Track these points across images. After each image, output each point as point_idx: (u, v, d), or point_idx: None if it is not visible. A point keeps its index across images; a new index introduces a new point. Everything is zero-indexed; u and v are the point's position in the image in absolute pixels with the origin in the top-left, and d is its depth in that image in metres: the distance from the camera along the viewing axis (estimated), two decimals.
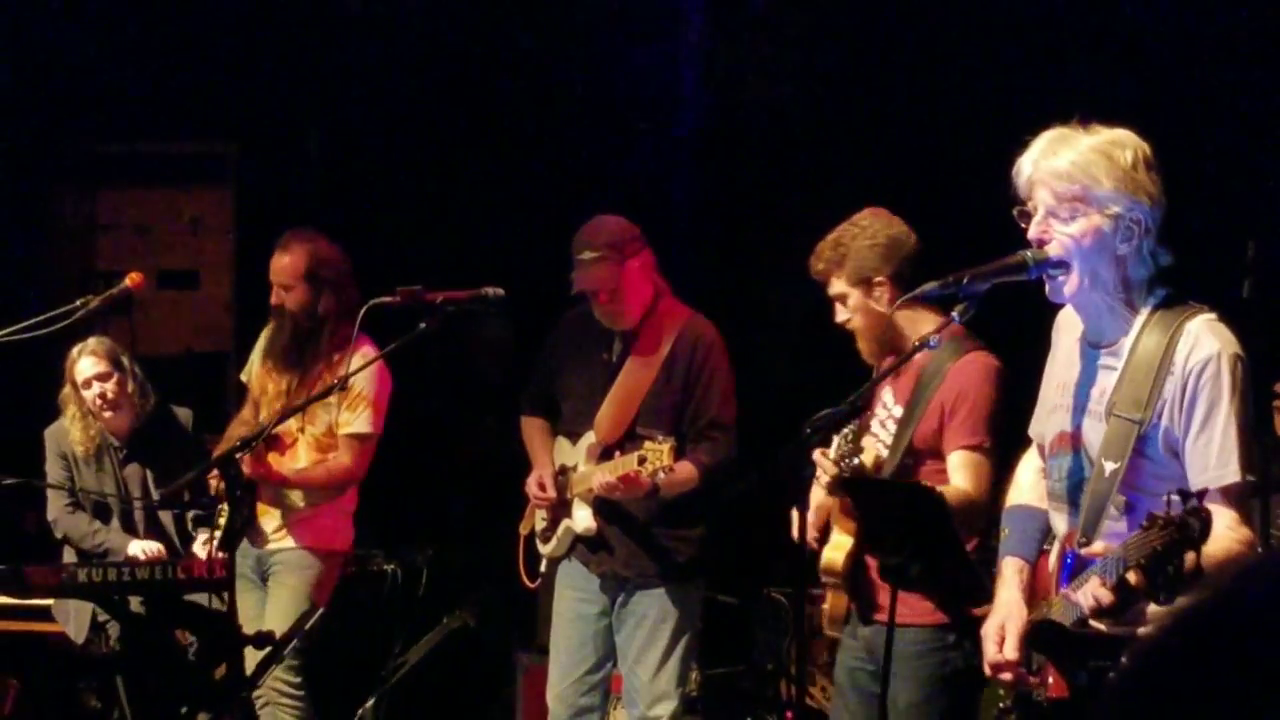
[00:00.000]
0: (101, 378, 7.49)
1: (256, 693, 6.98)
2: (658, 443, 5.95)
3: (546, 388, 6.64)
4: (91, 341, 7.54)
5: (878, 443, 5.23)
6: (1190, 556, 3.39)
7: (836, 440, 4.99)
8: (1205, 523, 3.40)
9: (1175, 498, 3.43)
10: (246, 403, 7.28)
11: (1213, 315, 3.91)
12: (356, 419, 6.96)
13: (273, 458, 6.94)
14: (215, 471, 6.26)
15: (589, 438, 6.41)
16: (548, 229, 6.52)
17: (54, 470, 7.59)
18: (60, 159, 10.28)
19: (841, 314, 5.31)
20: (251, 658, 6.55)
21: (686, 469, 6.20)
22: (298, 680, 7.02)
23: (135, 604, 7.16)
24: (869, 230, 5.28)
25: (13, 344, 6.14)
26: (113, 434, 7.57)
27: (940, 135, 8.38)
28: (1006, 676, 4.09)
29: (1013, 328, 4.55)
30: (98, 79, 10.00)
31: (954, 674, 5.08)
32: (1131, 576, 3.55)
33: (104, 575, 6.99)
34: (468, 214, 9.53)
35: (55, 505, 7.57)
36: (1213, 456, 3.79)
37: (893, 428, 5.21)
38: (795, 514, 4.90)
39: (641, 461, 5.94)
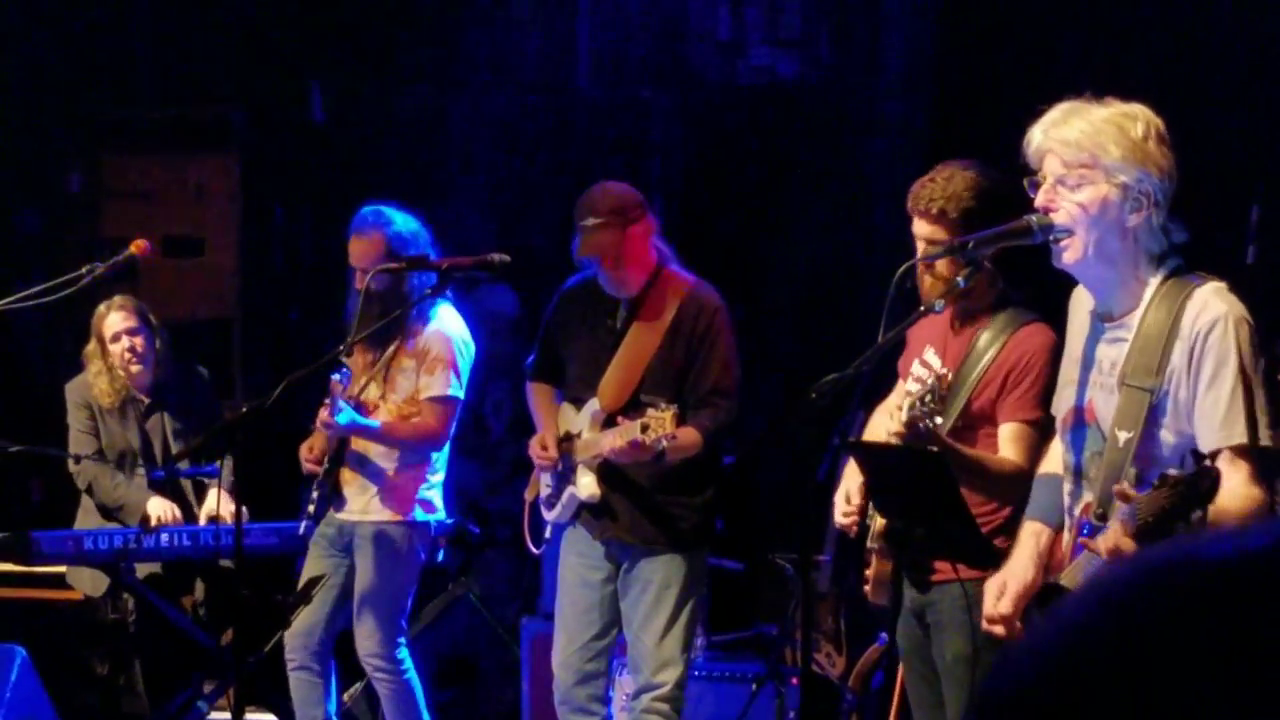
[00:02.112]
0: (130, 332, 7.60)
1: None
2: (660, 409, 5.95)
3: (552, 355, 6.65)
4: (119, 298, 7.67)
5: (912, 400, 5.21)
6: (1198, 515, 3.41)
7: (911, 400, 4.89)
8: (1214, 481, 3.43)
9: (1189, 458, 3.45)
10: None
11: (1222, 284, 3.93)
12: (434, 381, 6.93)
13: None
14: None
15: (593, 404, 6.41)
16: (553, 195, 6.51)
17: (80, 420, 7.64)
18: (65, 126, 10.27)
19: (922, 254, 5.21)
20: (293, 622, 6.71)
21: (690, 435, 6.21)
22: (386, 653, 7.04)
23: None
24: (974, 173, 5.18)
25: (19, 311, 6.15)
26: (137, 388, 7.64)
27: (946, 99, 8.37)
28: (999, 630, 4.10)
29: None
30: (102, 45, 9.99)
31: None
32: (1143, 536, 3.57)
33: (110, 543, 7.03)
34: (473, 180, 9.53)
35: (80, 453, 7.61)
36: (1219, 417, 3.81)
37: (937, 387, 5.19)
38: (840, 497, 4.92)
39: (644, 429, 5.94)
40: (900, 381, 5.31)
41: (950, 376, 4.78)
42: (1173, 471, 3.50)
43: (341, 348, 6.28)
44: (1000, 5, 8.30)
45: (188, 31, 9.95)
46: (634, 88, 9.33)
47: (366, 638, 7.02)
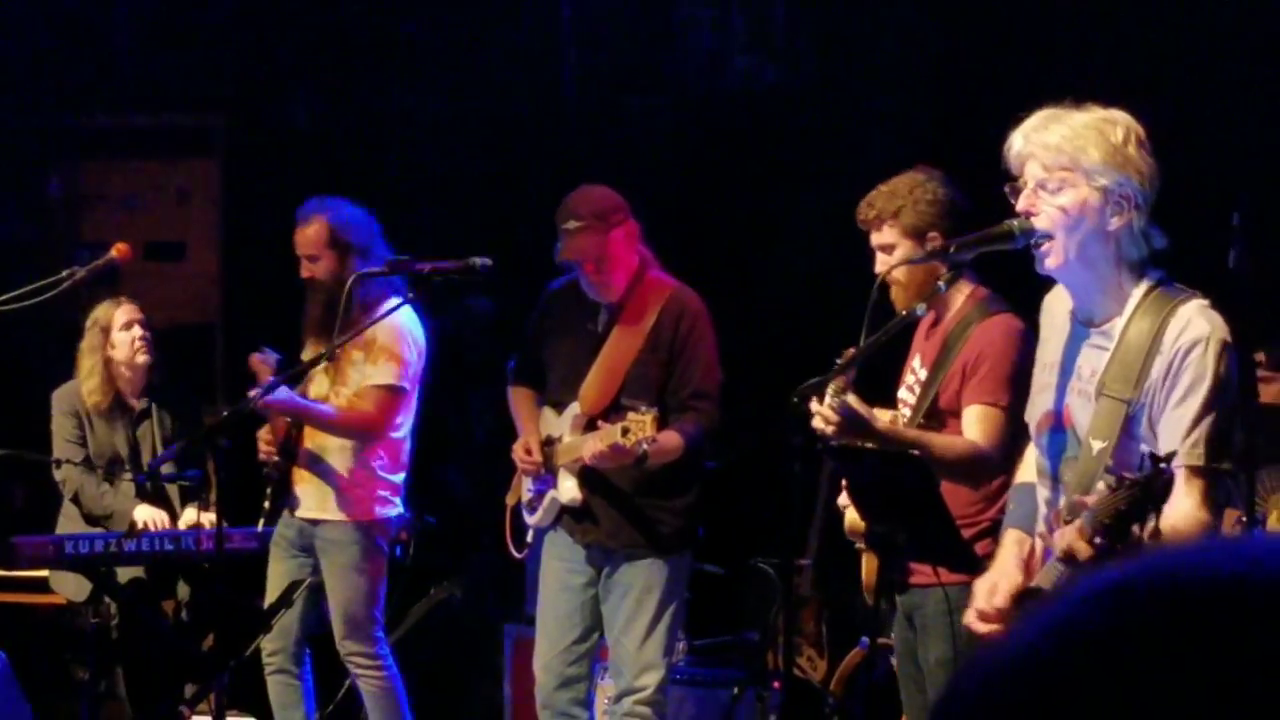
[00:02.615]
0: (141, 324, 7.65)
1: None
2: (640, 414, 5.96)
3: (534, 358, 6.65)
4: (121, 299, 7.71)
5: (904, 408, 5.25)
6: (1152, 518, 3.44)
7: (828, 398, 4.94)
8: (1168, 483, 3.46)
9: (1146, 461, 3.48)
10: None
11: (1206, 302, 3.95)
12: (378, 370, 6.90)
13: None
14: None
15: (574, 408, 6.42)
16: (535, 199, 6.52)
17: (66, 429, 7.61)
18: (47, 131, 10.26)
19: (882, 264, 5.25)
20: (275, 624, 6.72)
21: (672, 439, 6.21)
22: (368, 651, 7.07)
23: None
24: (928, 186, 5.24)
25: (0, 315, 6.14)
26: (132, 390, 7.63)
27: (933, 101, 8.38)
28: (990, 627, 4.11)
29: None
30: (82, 51, 9.98)
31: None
32: (1099, 538, 3.59)
33: (92, 548, 7.01)
34: (454, 183, 9.53)
35: (63, 458, 7.59)
36: (1182, 434, 3.83)
37: (919, 391, 5.23)
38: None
39: (625, 433, 5.95)
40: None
41: (853, 351, 4.78)
42: (1128, 474, 3.53)
43: (325, 351, 6.28)
44: (988, 13, 8.31)
45: (170, 37, 9.95)
46: (619, 93, 9.34)
47: (346, 636, 7.03)
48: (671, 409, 6.29)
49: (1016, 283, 4.78)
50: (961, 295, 5.26)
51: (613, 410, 6.29)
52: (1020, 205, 3.96)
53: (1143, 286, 3.96)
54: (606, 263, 6.30)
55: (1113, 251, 3.94)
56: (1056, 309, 4.20)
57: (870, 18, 8.83)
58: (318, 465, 7.02)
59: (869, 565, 5.32)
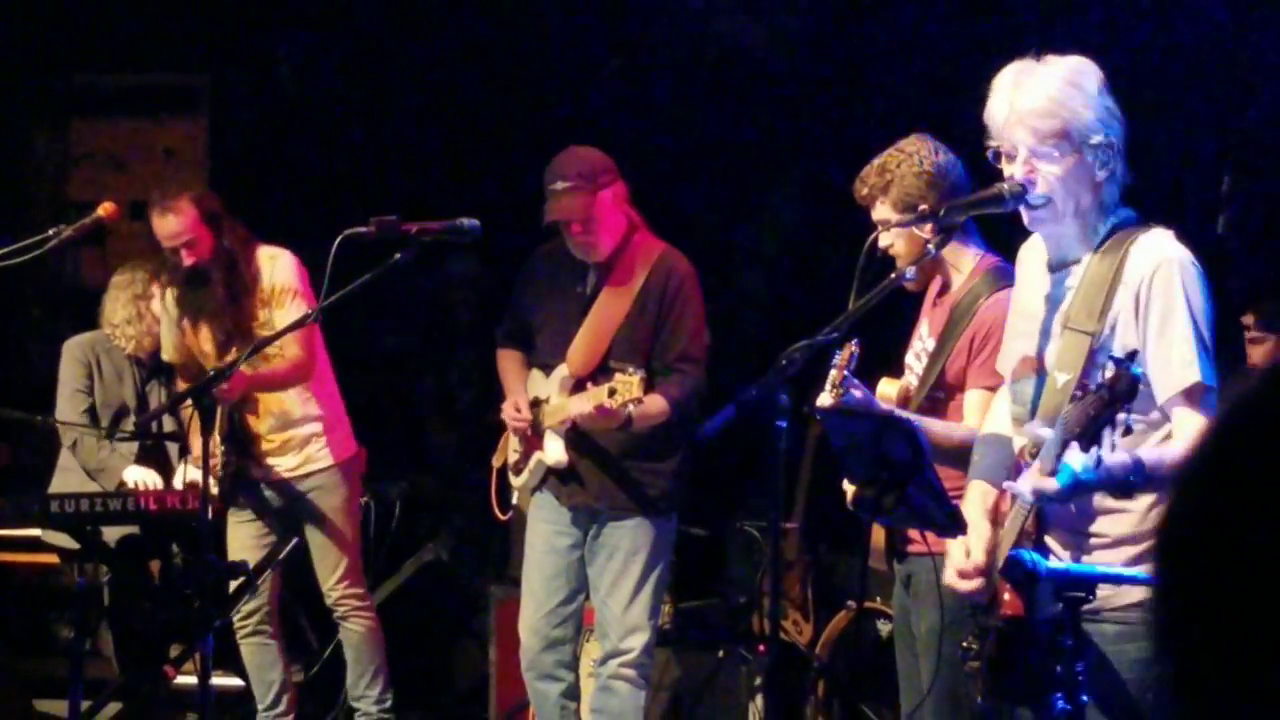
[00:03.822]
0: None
1: (240, 621, 7.06)
2: (627, 374, 5.96)
3: (521, 321, 6.64)
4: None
5: (911, 374, 5.23)
6: (1122, 416, 3.44)
7: (832, 373, 4.93)
8: (1132, 381, 3.45)
9: (1110, 364, 3.48)
10: (177, 381, 7.30)
11: (1167, 231, 3.95)
12: (290, 311, 6.89)
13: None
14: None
15: (561, 370, 6.40)
16: (522, 160, 6.50)
17: (76, 377, 7.61)
18: (33, 90, 10.22)
19: (885, 239, 5.23)
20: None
21: (657, 402, 6.21)
22: (358, 592, 7.19)
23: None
24: (914, 157, 5.20)
25: None
26: (148, 348, 7.64)
27: (924, 66, 8.36)
28: (972, 584, 4.10)
29: None
30: (70, 10, 9.93)
31: (976, 603, 5.05)
32: (1071, 454, 3.59)
33: (77, 506, 6.99)
34: (441, 145, 9.50)
35: (71, 411, 7.58)
36: (1174, 362, 3.82)
37: (926, 360, 5.21)
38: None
39: (611, 394, 5.95)
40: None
41: (853, 346, 4.77)
42: (1088, 382, 3.54)
43: (312, 313, 6.26)
44: None
45: None
46: (602, 54, 9.32)
47: (341, 579, 7.11)
48: (658, 371, 6.29)
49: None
50: (969, 262, 5.21)
51: (600, 372, 6.28)
52: (1018, 175, 3.95)
53: (1108, 224, 3.97)
54: (594, 224, 6.28)
55: (1096, 199, 3.96)
56: (1031, 258, 4.22)
57: None
58: (288, 429, 7.10)
59: (878, 532, 5.30)
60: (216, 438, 6.94)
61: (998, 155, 4.00)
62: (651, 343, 6.32)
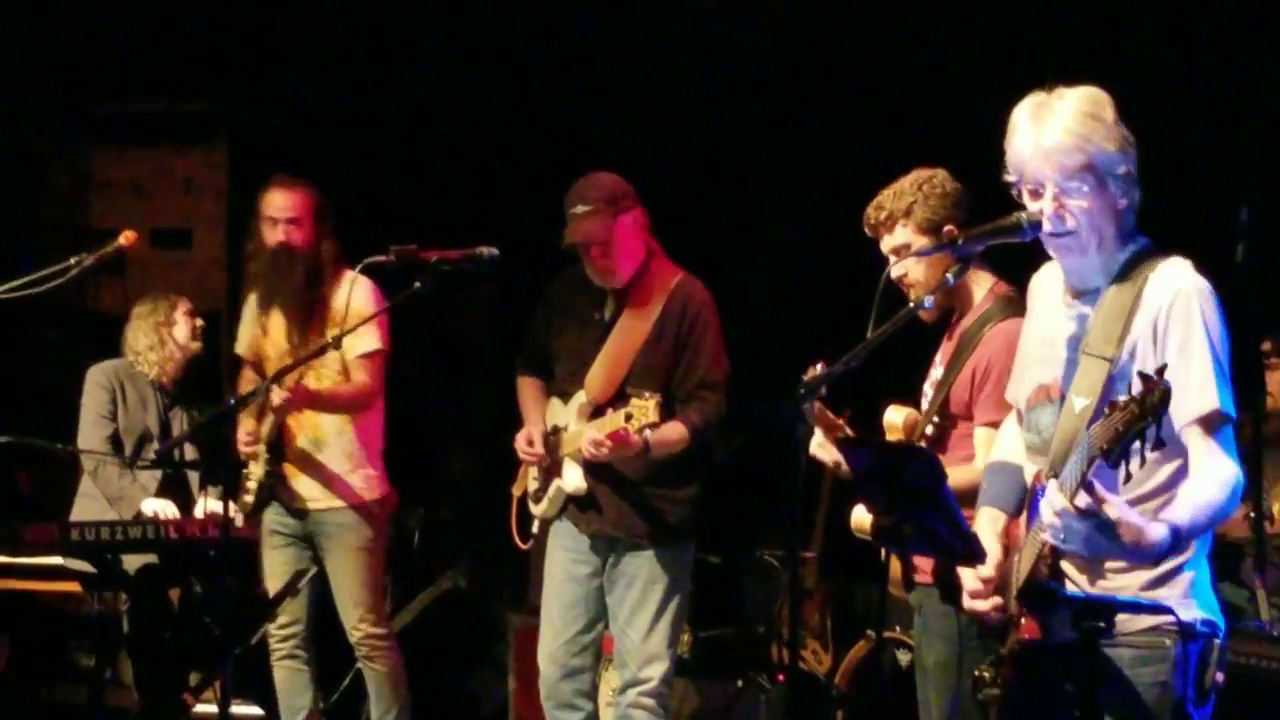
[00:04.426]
0: (197, 315, 8.08)
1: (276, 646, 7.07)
2: (644, 399, 5.95)
3: (541, 347, 6.65)
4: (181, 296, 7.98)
5: (925, 401, 5.22)
6: (1152, 433, 3.43)
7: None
8: (1164, 393, 3.44)
9: (1136, 380, 3.48)
10: (243, 375, 7.28)
11: (1185, 260, 3.96)
12: (363, 339, 6.93)
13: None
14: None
15: (580, 397, 6.41)
16: (540, 188, 6.51)
17: (100, 402, 7.69)
18: (53, 119, 10.27)
19: (899, 268, 5.22)
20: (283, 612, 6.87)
21: (677, 429, 6.21)
22: (381, 632, 7.14)
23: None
24: (936, 180, 5.21)
25: (5, 302, 6.14)
26: (172, 374, 7.77)
27: (930, 84, 8.37)
28: (986, 604, 4.10)
29: None
30: (90, 39, 9.98)
31: (983, 634, 5.04)
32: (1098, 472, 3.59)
33: (98, 534, 7.02)
34: (460, 172, 9.52)
35: (94, 437, 7.63)
36: (1192, 388, 3.82)
37: (933, 390, 5.21)
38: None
39: (628, 418, 5.95)
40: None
41: (815, 369, 4.77)
42: (1120, 397, 3.53)
43: (331, 339, 6.28)
44: None
45: (177, 25, 9.95)
46: (609, 76, 9.33)
47: (361, 620, 7.08)
48: (678, 399, 6.29)
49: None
50: (982, 290, 5.22)
51: (618, 399, 6.28)
52: (1046, 211, 3.95)
53: (1128, 251, 3.98)
54: (613, 248, 6.30)
55: (1117, 227, 3.97)
56: (1046, 286, 4.22)
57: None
58: (317, 455, 7.07)
59: (895, 559, 5.30)
60: (261, 446, 6.99)
61: (1019, 190, 4.00)
62: (670, 369, 6.33)
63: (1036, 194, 3.97)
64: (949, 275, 4.49)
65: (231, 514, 7.20)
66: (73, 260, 6.22)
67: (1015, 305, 5.10)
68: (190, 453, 7.67)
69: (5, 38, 9.87)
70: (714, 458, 6.38)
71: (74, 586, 7.60)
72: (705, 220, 8.74)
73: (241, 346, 7.27)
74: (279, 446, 7.05)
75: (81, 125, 10.32)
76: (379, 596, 7.18)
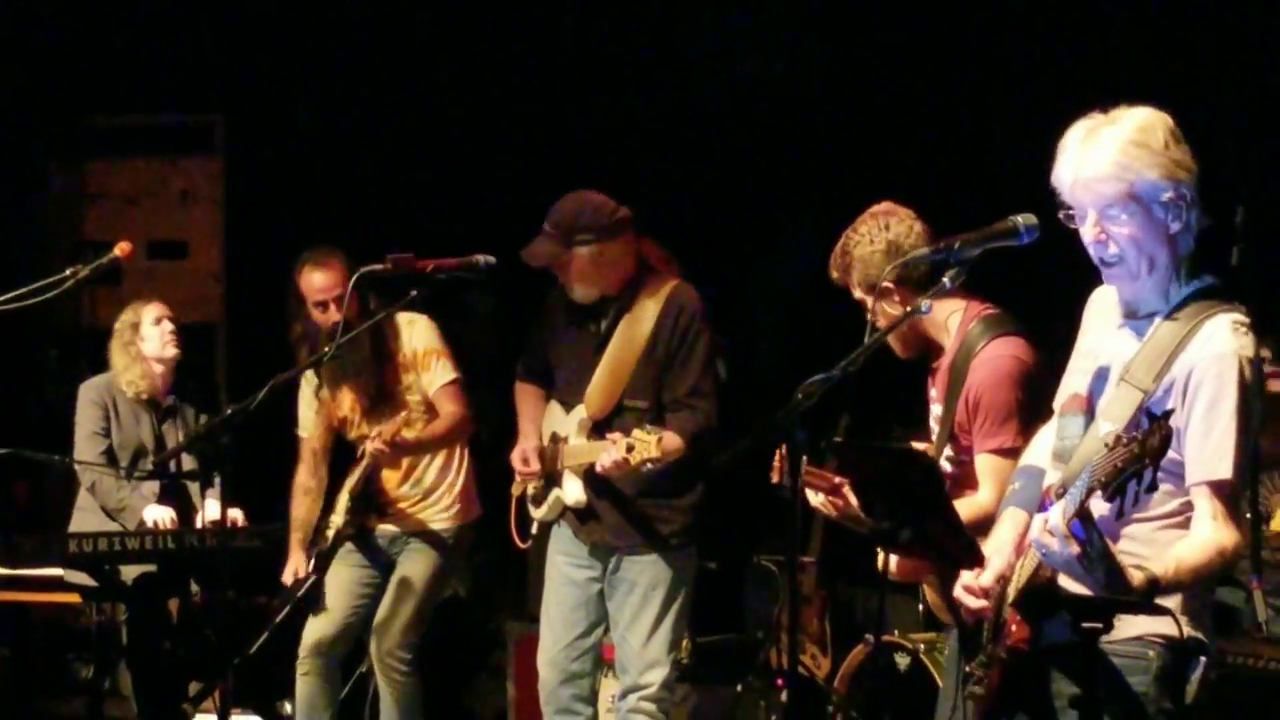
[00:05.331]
0: (170, 319, 7.86)
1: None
2: (646, 433, 5.97)
3: (541, 355, 6.66)
4: (150, 298, 7.97)
5: (934, 439, 5.20)
6: (1150, 472, 3.45)
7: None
8: (1165, 438, 3.45)
9: (1144, 419, 3.48)
10: (302, 456, 7.34)
11: (1243, 317, 3.94)
12: (438, 373, 7.12)
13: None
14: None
15: (580, 411, 6.42)
16: (538, 197, 6.51)
17: (93, 419, 7.69)
18: (49, 130, 10.27)
19: (871, 315, 5.22)
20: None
21: (673, 440, 6.21)
22: (409, 656, 7.18)
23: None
24: (867, 237, 5.18)
25: (1, 313, 6.14)
26: (161, 386, 7.74)
27: (937, 105, 8.37)
28: (976, 604, 4.11)
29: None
30: (85, 51, 9.99)
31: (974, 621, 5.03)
32: (1095, 503, 3.60)
33: (95, 546, 7.01)
34: (457, 181, 9.53)
35: (89, 453, 7.63)
36: (1209, 450, 3.83)
37: (938, 427, 5.18)
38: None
39: (630, 450, 5.97)
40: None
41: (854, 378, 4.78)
42: (1124, 433, 3.54)
43: (326, 350, 6.28)
44: (1003, 11, 8.29)
45: (173, 37, 9.95)
46: (619, 93, 9.34)
47: (395, 635, 7.14)
48: (669, 407, 6.30)
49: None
50: (956, 318, 5.16)
51: (616, 413, 6.31)
52: (1087, 238, 3.96)
53: (1190, 288, 3.98)
54: (569, 272, 6.34)
55: (1172, 252, 3.95)
56: (1105, 302, 4.20)
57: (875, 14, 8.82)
58: (415, 491, 7.22)
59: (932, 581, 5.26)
60: (345, 495, 7.05)
61: (1069, 217, 4.00)
62: (662, 379, 6.33)
63: (1082, 220, 3.97)
64: (946, 279, 4.48)
65: (234, 521, 7.24)
66: (69, 271, 6.21)
67: (997, 324, 5.09)
68: (188, 463, 7.66)
69: (1, 49, 9.87)
70: (714, 464, 6.38)
71: (73, 598, 7.60)
72: (710, 233, 8.74)
73: (305, 429, 7.32)
74: (365, 497, 7.15)
75: (77, 136, 10.32)
76: (422, 619, 7.23)
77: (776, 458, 5.28)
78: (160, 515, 7.45)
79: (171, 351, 7.83)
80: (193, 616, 7.58)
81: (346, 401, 7.15)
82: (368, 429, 7.05)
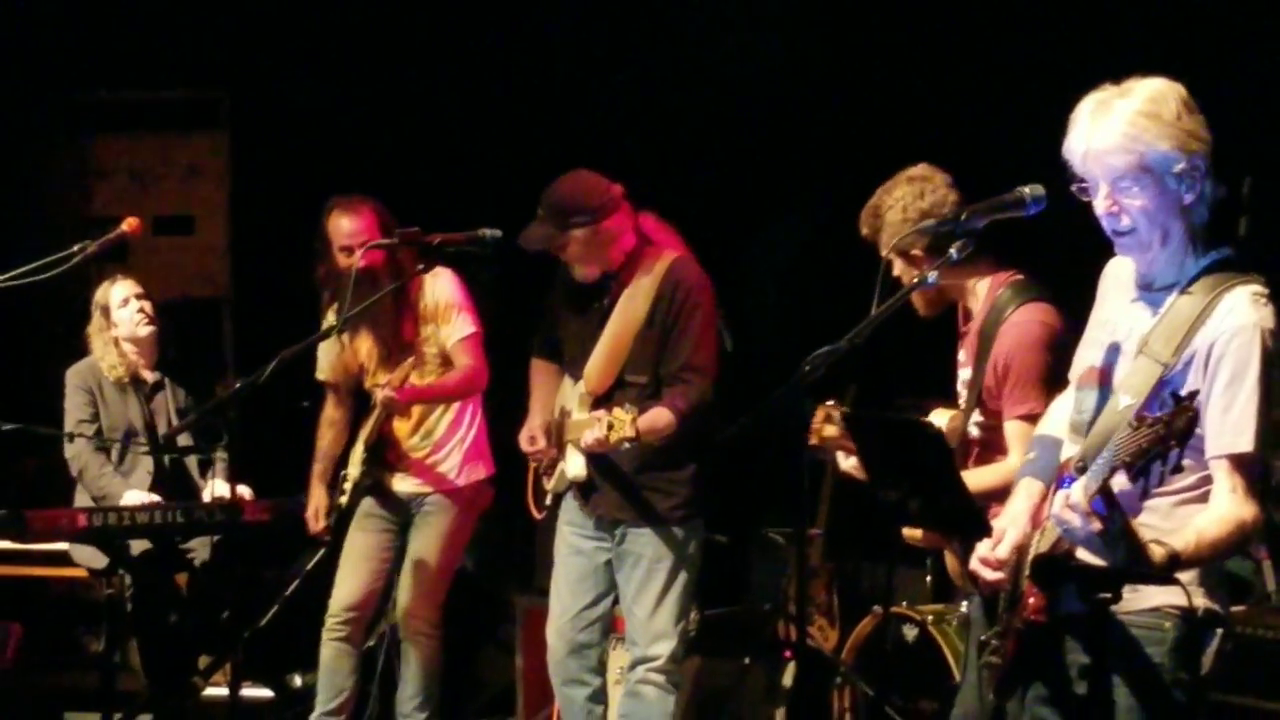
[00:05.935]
0: (139, 296, 7.76)
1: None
2: (624, 411, 5.97)
3: (553, 331, 6.68)
4: (118, 274, 7.86)
5: (961, 402, 5.19)
6: (1174, 457, 3.45)
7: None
8: (1191, 419, 3.46)
9: (1168, 400, 3.48)
10: (326, 400, 7.38)
11: (1262, 289, 3.94)
12: (457, 325, 7.11)
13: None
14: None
15: (581, 386, 6.44)
16: (544, 171, 6.51)
17: (79, 405, 7.66)
18: (55, 106, 10.27)
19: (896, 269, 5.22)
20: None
21: (663, 415, 6.21)
22: (434, 617, 7.26)
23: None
24: (902, 201, 5.17)
25: (8, 290, 6.15)
26: (144, 364, 7.68)
27: (940, 84, 8.36)
28: (992, 575, 4.12)
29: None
30: (90, 27, 9.98)
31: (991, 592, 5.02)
32: (1117, 479, 3.60)
33: (104, 520, 7.02)
34: (463, 156, 9.52)
35: (78, 442, 7.62)
36: (1230, 423, 3.83)
37: (966, 391, 5.16)
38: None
39: (610, 428, 5.97)
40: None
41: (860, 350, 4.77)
42: (1149, 414, 3.54)
43: (337, 323, 6.29)
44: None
45: (178, 12, 9.95)
46: (621, 68, 9.32)
47: (422, 597, 7.21)
48: (664, 382, 6.30)
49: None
50: (985, 284, 5.16)
51: (616, 388, 6.34)
52: (1100, 210, 3.95)
53: (1207, 259, 3.97)
54: (567, 252, 6.36)
55: (1186, 223, 3.95)
56: (1120, 273, 4.19)
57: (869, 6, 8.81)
58: (426, 447, 7.20)
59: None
60: (360, 446, 7.06)
61: (1083, 189, 3.99)
62: (660, 354, 6.33)
63: (1094, 192, 3.96)
64: (953, 251, 4.47)
65: (241, 494, 7.26)
66: (75, 248, 6.22)
67: (1026, 290, 5.07)
68: (185, 439, 7.65)
69: (5, 25, 9.86)
70: (721, 437, 6.38)
71: (83, 572, 7.61)
72: (714, 207, 8.74)
73: (324, 371, 7.34)
74: (379, 449, 7.15)
75: (83, 112, 10.32)
76: (443, 586, 7.28)
77: (815, 419, 5.26)
78: (138, 499, 7.43)
79: (145, 330, 7.74)
80: (202, 590, 7.59)
81: (364, 348, 7.16)
82: (382, 378, 7.06)
